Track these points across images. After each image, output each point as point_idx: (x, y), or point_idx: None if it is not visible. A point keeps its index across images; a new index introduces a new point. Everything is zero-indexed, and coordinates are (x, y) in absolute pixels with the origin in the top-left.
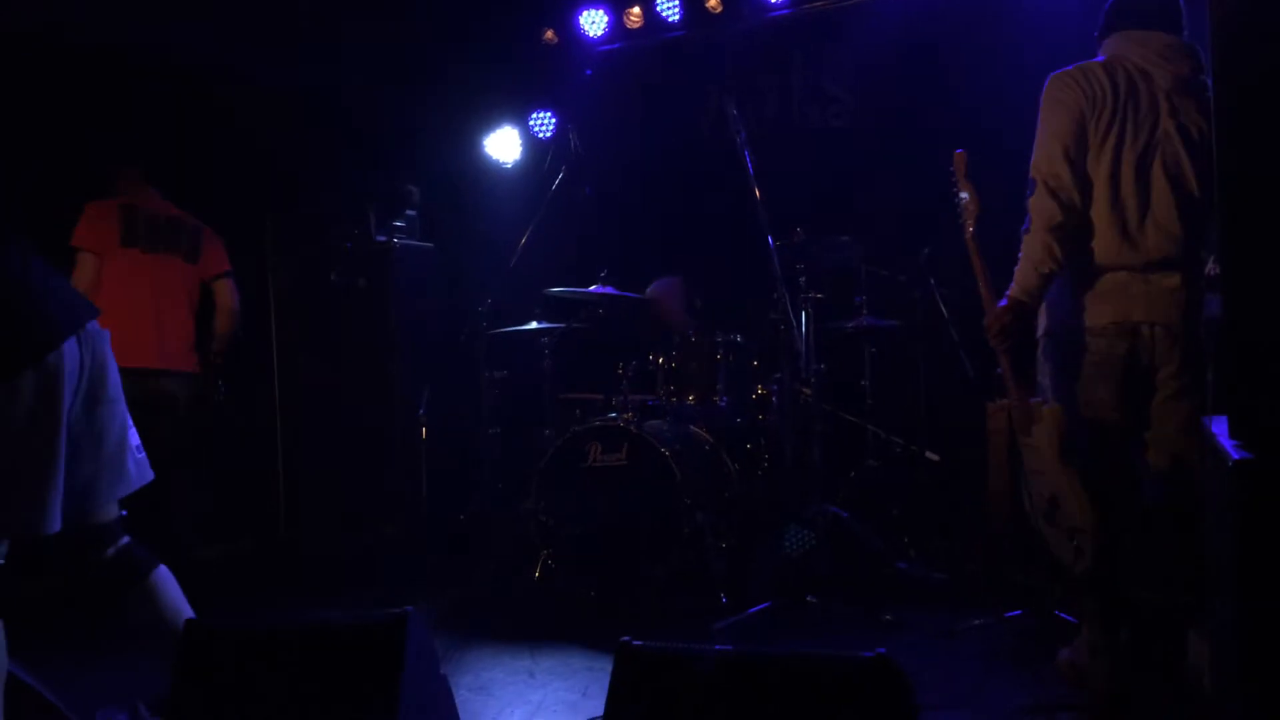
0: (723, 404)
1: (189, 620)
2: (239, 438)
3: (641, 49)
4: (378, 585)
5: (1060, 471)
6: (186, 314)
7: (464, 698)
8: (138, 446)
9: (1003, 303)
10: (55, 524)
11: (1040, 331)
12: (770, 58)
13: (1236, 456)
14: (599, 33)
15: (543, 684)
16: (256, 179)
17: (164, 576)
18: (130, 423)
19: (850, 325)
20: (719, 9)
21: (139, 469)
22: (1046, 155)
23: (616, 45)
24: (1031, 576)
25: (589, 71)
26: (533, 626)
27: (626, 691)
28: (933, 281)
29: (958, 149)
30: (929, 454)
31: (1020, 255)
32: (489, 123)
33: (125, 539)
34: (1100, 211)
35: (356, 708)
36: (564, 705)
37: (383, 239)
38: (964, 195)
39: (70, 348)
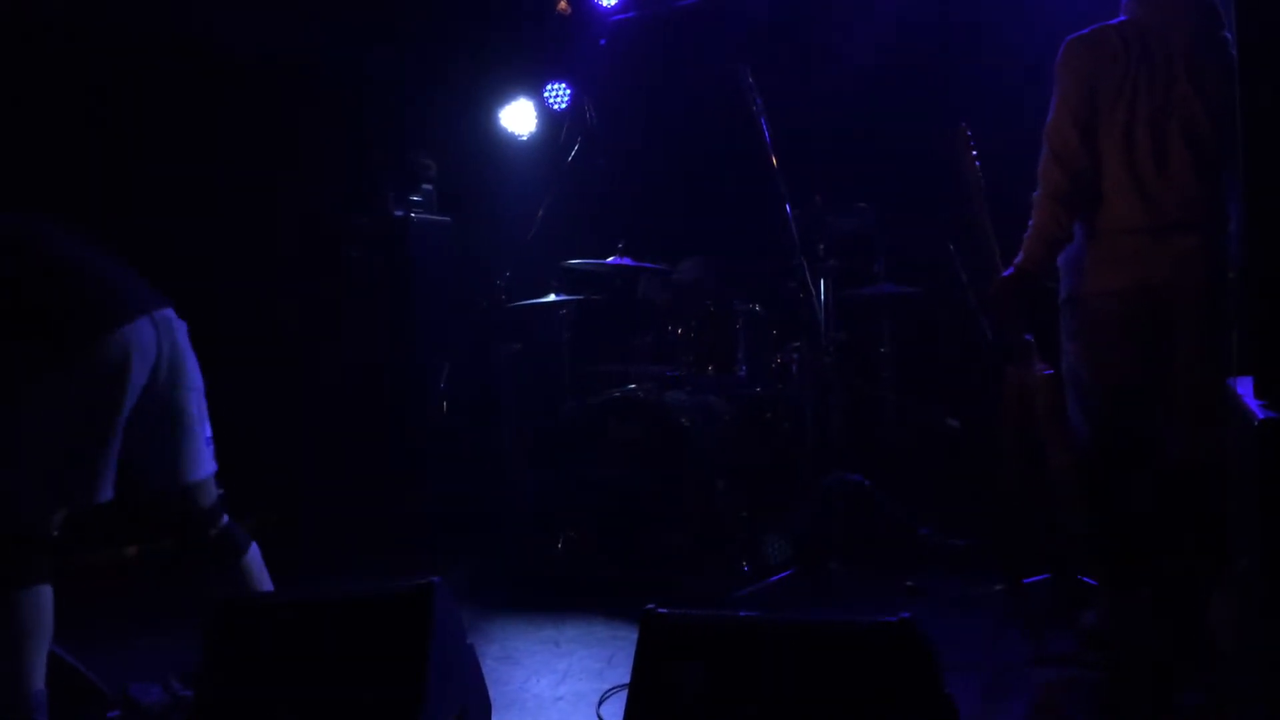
0: (742, 373)
1: (217, 594)
2: (256, 414)
3: (656, 17)
4: (399, 558)
5: (1055, 439)
6: None
7: (490, 667)
8: (209, 439)
9: (1008, 271)
10: (107, 494)
11: (1061, 298)
12: (787, 24)
13: (1262, 416)
14: (613, 2)
15: (568, 653)
16: (272, 154)
17: (254, 557)
18: (206, 415)
19: (869, 292)
20: None
21: (210, 458)
22: (1055, 122)
23: (630, 14)
24: (1052, 542)
25: (603, 41)
26: (555, 597)
27: (652, 658)
28: (952, 247)
29: (961, 121)
30: (949, 420)
31: (1029, 223)
32: (504, 95)
33: (225, 519)
34: (1115, 175)
35: (385, 677)
36: (589, 673)
37: (399, 213)
38: (967, 166)
39: (144, 328)
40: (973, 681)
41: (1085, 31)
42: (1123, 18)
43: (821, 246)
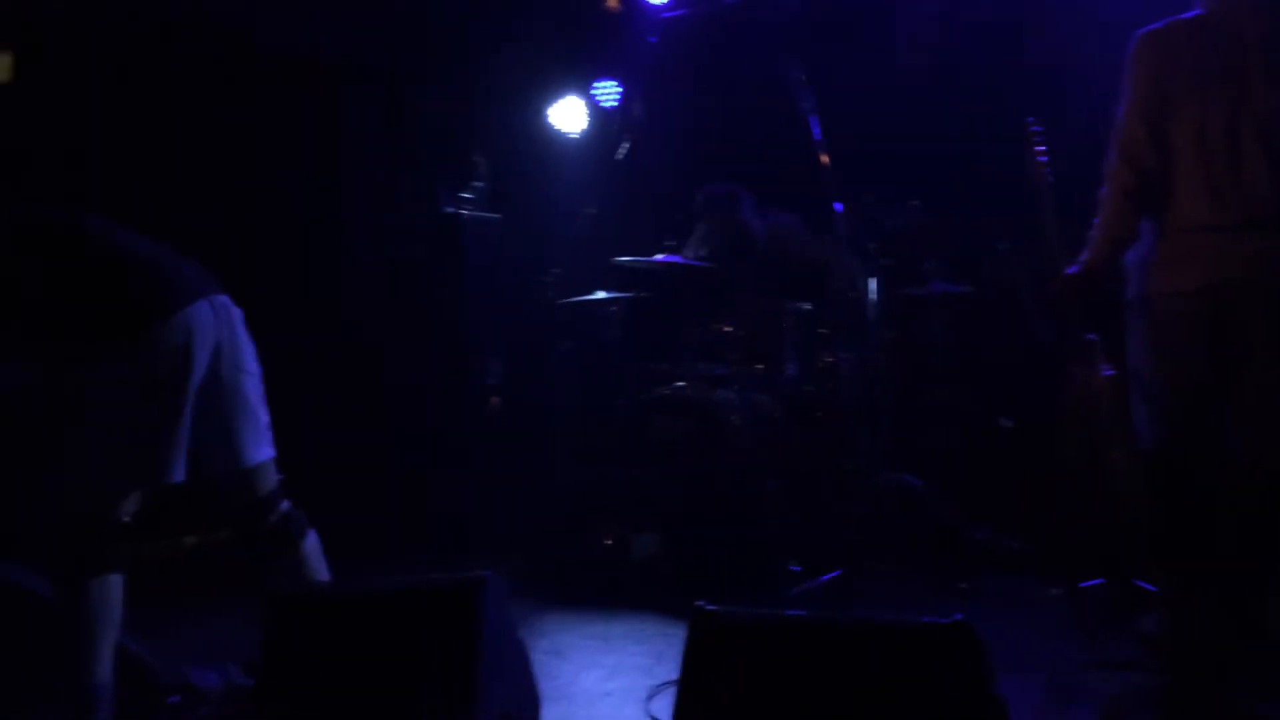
0: (790, 372)
1: (274, 583)
2: (308, 407)
3: (706, 15)
4: (449, 554)
5: (1118, 441)
6: None
7: (539, 661)
8: (268, 424)
9: (1073, 270)
10: (178, 476)
11: (1129, 297)
12: (838, 21)
13: None
14: None
15: (617, 649)
16: (325, 152)
17: (312, 545)
18: (264, 401)
19: (920, 291)
20: None
21: (269, 443)
22: (1125, 118)
23: (681, 12)
24: (1109, 545)
25: (653, 39)
26: (604, 593)
27: (702, 656)
28: (1006, 245)
29: (1029, 118)
30: (1002, 421)
31: (1095, 221)
32: (553, 93)
33: (286, 505)
34: (1187, 173)
35: (437, 669)
36: (638, 670)
37: (451, 210)
38: (1033, 162)
39: (204, 311)
40: (1030, 685)
41: (1157, 26)
42: (1197, 11)
43: (872, 245)
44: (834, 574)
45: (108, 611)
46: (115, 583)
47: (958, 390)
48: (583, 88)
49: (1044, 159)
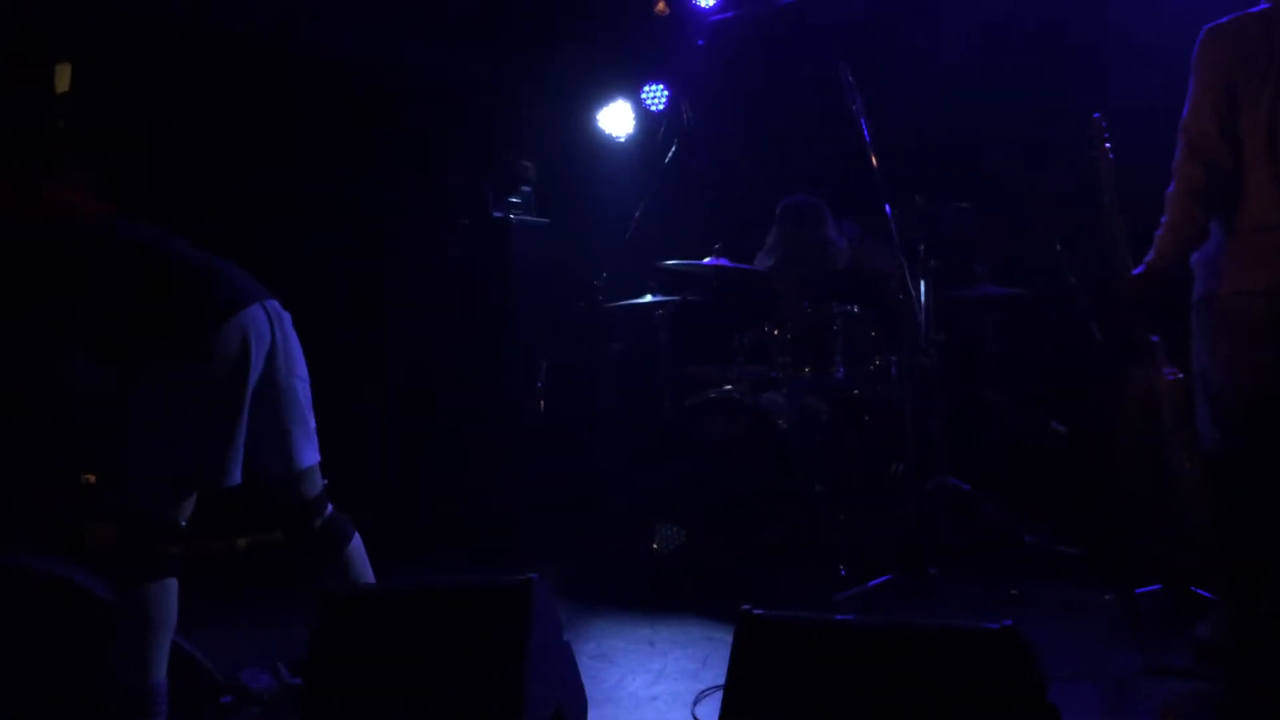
0: (839, 375)
1: (323, 585)
2: (358, 409)
3: (754, 17)
4: (497, 556)
5: (1182, 445)
6: None
7: (586, 664)
8: (314, 429)
9: (1139, 270)
10: (235, 478)
11: (1194, 298)
12: (887, 22)
13: None
14: (710, 2)
15: (663, 652)
16: (374, 155)
17: (357, 548)
18: (311, 405)
19: (971, 293)
20: None
21: (316, 447)
22: (1193, 114)
23: (729, 14)
24: (1166, 550)
25: (701, 42)
26: (651, 596)
27: (748, 660)
28: (1059, 247)
29: (1095, 113)
30: (1055, 425)
31: (1162, 220)
32: (602, 96)
33: (330, 509)
34: (1258, 171)
35: (485, 670)
36: (685, 674)
37: (499, 215)
38: (1100, 160)
39: (258, 316)
40: (1085, 692)
41: (1223, 21)
42: (1264, 5)
43: (922, 246)
44: (883, 579)
45: (164, 614)
46: (172, 586)
47: (1009, 393)
48: (631, 91)
49: (1110, 156)
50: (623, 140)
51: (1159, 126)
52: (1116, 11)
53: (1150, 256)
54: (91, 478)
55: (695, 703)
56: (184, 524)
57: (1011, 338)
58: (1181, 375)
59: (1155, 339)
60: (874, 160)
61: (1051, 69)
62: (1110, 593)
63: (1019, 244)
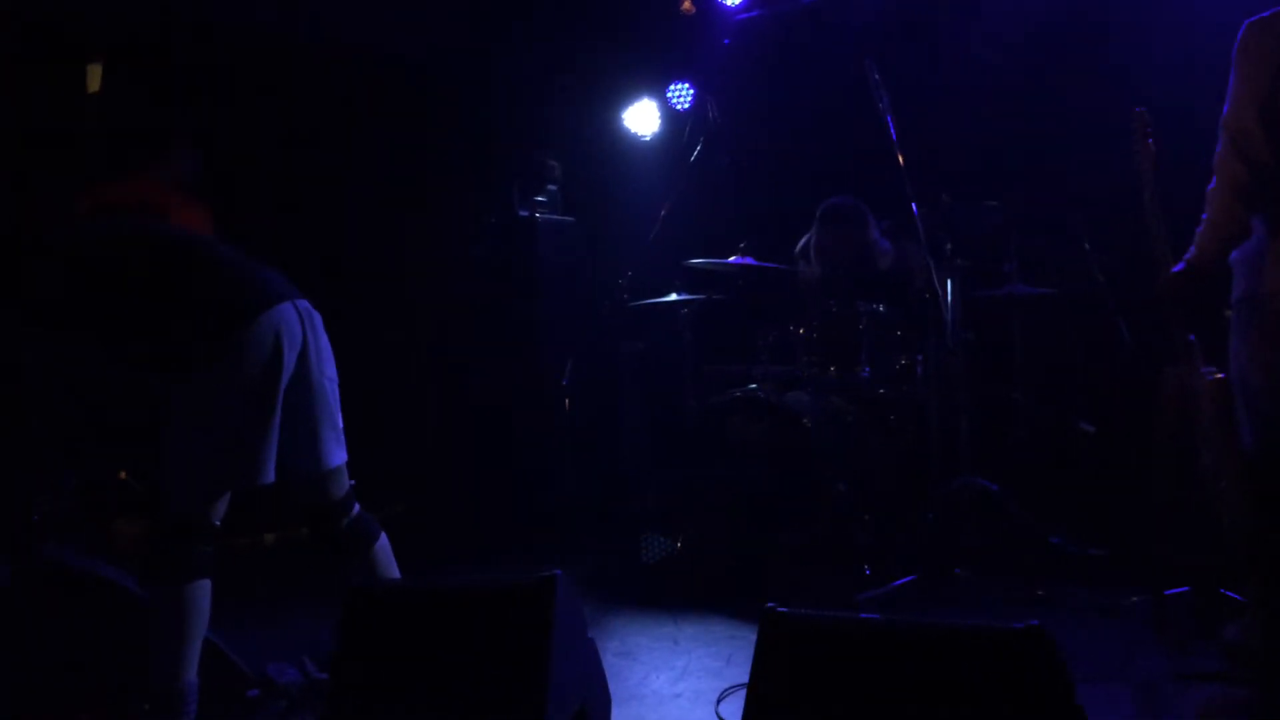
0: (865, 374)
1: (349, 581)
2: (385, 407)
3: (780, 16)
4: (522, 553)
5: (1223, 447)
6: None
7: (610, 662)
8: (342, 429)
9: (1178, 267)
10: (270, 476)
11: (1235, 296)
12: (914, 21)
13: None
14: (737, 1)
15: (686, 650)
16: (401, 154)
17: (383, 546)
18: (339, 405)
19: (999, 293)
20: None
21: (344, 447)
22: (1235, 110)
23: (755, 13)
24: (1196, 552)
25: (727, 41)
26: (675, 595)
27: (771, 658)
28: (1087, 246)
29: (1138, 107)
30: (1083, 425)
31: (1203, 217)
32: (627, 95)
33: (356, 509)
34: None
35: (508, 666)
36: (708, 672)
37: (525, 214)
38: (1142, 154)
39: (288, 312)
40: (1115, 696)
41: (1265, 15)
42: None
43: (949, 245)
44: (907, 579)
45: (199, 614)
46: (206, 586)
47: (1036, 393)
48: (657, 90)
49: (1152, 150)
50: (648, 139)
51: (1197, 123)
52: (1152, 6)
53: (1190, 254)
54: (123, 474)
55: (719, 701)
56: (218, 523)
57: (1039, 337)
58: (1221, 375)
59: (1192, 338)
60: (900, 159)
61: (1081, 66)
62: (1138, 594)
63: (1047, 243)
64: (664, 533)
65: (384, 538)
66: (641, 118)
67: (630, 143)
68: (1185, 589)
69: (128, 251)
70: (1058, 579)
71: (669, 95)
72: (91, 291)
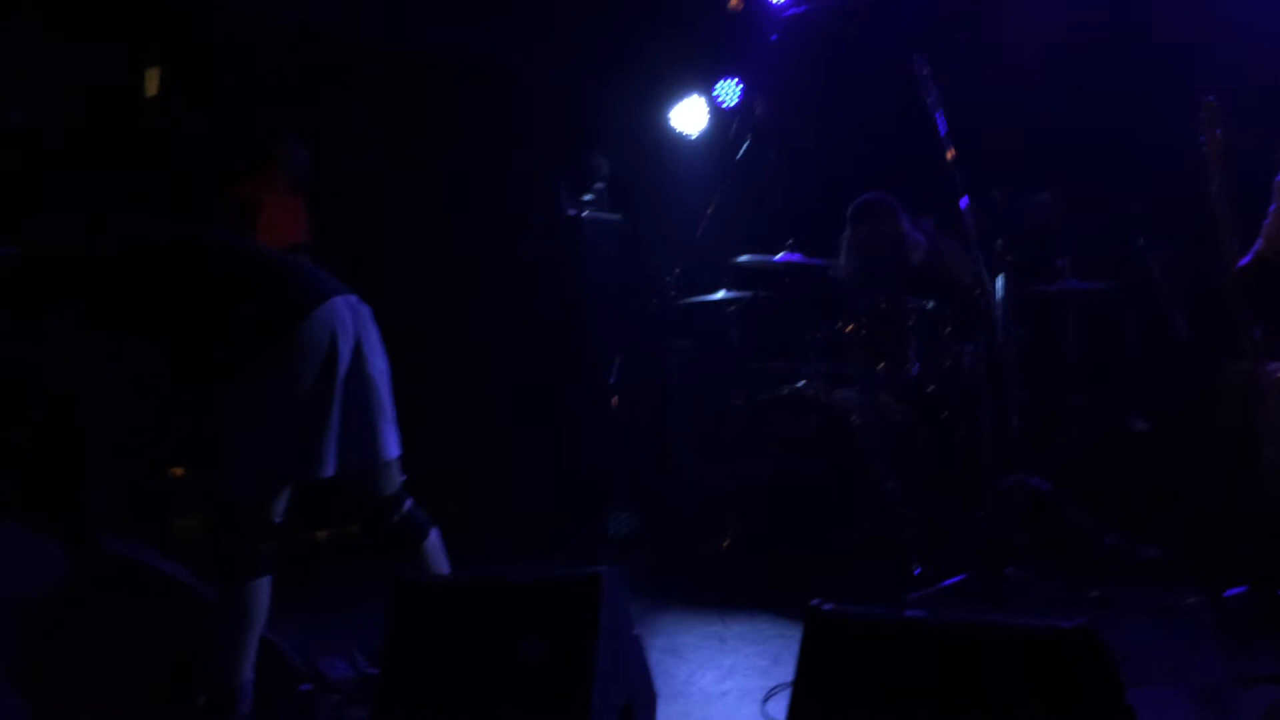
0: (914, 372)
1: (399, 577)
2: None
3: (828, 11)
4: (569, 548)
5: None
6: None
7: (656, 659)
8: (395, 422)
9: (1245, 260)
10: (330, 469)
11: None
12: (962, 14)
13: None
14: None
15: (733, 649)
16: (450, 154)
17: (435, 541)
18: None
19: (1052, 288)
20: None
21: (398, 441)
22: None
23: (802, 8)
24: (1257, 551)
25: (774, 37)
26: (722, 592)
27: (817, 654)
28: (1142, 241)
29: (1209, 96)
30: (1137, 423)
31: (1271, 209)
32: (675, 93)
33: (409, 504)
34: None
35: (556, 661)
36: (755, 670)
37: (572, 212)
38: (1210, 144)
39: (340, 307)
40: (1174, 699)
41: None
42: None
43: (999, 241)
44: (958, 578)
45: (258, 612)
46: (266, 584)
47: (1090, 390)
48: (704, 88)
49: (1221, 141)
50: (695, 137)
51: (1265, 113)
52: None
53: (1258, 246)
54: (179, 471)
55: (765, 699)
56: (279, 521)
57: (1092, 333)
58: None
59: (1259, 332)
60: (949, 154)
61: (1133, 56)
62: (1195, 595)
63: (1101, 237)
64: (630, 511)
65: (435, 533)
66: (689, 115)
67: (677, 140)
68: (1245, 589)
69: (178, 259)
70: (1112, 580)
71: (716, 92)
72: (146, 299)
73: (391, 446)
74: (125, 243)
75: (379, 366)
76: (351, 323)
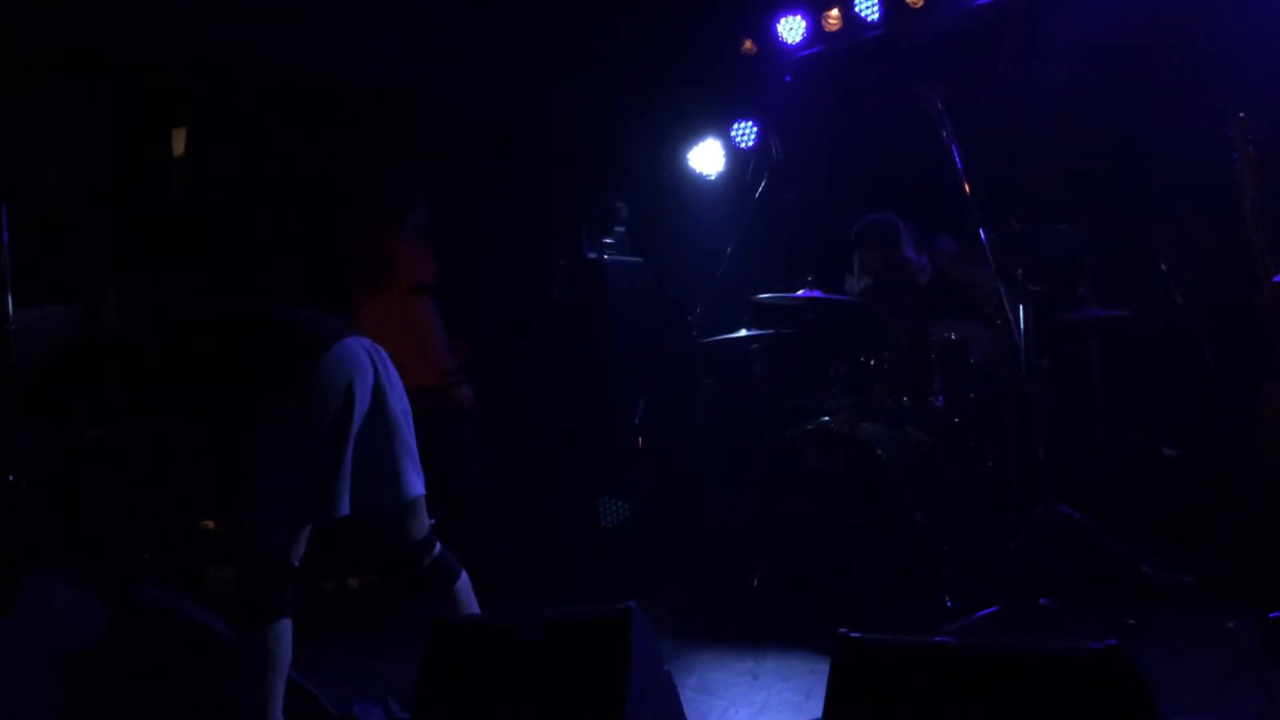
0: (939, 403)
1: (430, 619)
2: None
3: (841, 51)
4: (598, 587)
5: None
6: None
7: (688, 697)
8: (419, 461)
9: None
10: (345, 509)
11: None
12: (976, 49)
13: None
14: (797, 39)
15: (766, 685)
16: (472, 199)
17: (465, 584)
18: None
19: (1074, 316)
20: (920, 4)
21: (421, 480)
22: None
23: (816, 49)
24: None
25: (789, 78)
26: (754, 629)
27: (846, 683)
28: (1164, 267)
29: (1240, 112)
30: (1166, 449)
31: None
32: (692, 135)
33: (438, 549)
34: None
35: (587, 698)
36: (788, 706)
37: (593, 256)
38: (1243, 161)
39: (356, 347)
40: None
41: None
42: None
43: (1020, 271)
44: (990, 610)
45: (282, 653)
46: (287, 626)
47: (1117, 418)
48: (721, 130)
49: (1254, 158)
50: (713, 178)
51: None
52: (1222, 15)
53: None
54: (209, 524)
55: None
56: (297, 564)
57: (1117, 360)
58: None
59: None
60: (966, 187)
61: (1150, 83)
62: (1235, 621)
63: (1122, 264)
64: (621, 498)
65: (465, 576)
66: (706, 157)
67: (696, 182)
68: None
69: (183, 333)
70: (1148, 607)
71: (733, 134)
72: (159, 377)
73: (416, 484)
74: (159, 325)
75: (400, 406)
76: (369, 364)
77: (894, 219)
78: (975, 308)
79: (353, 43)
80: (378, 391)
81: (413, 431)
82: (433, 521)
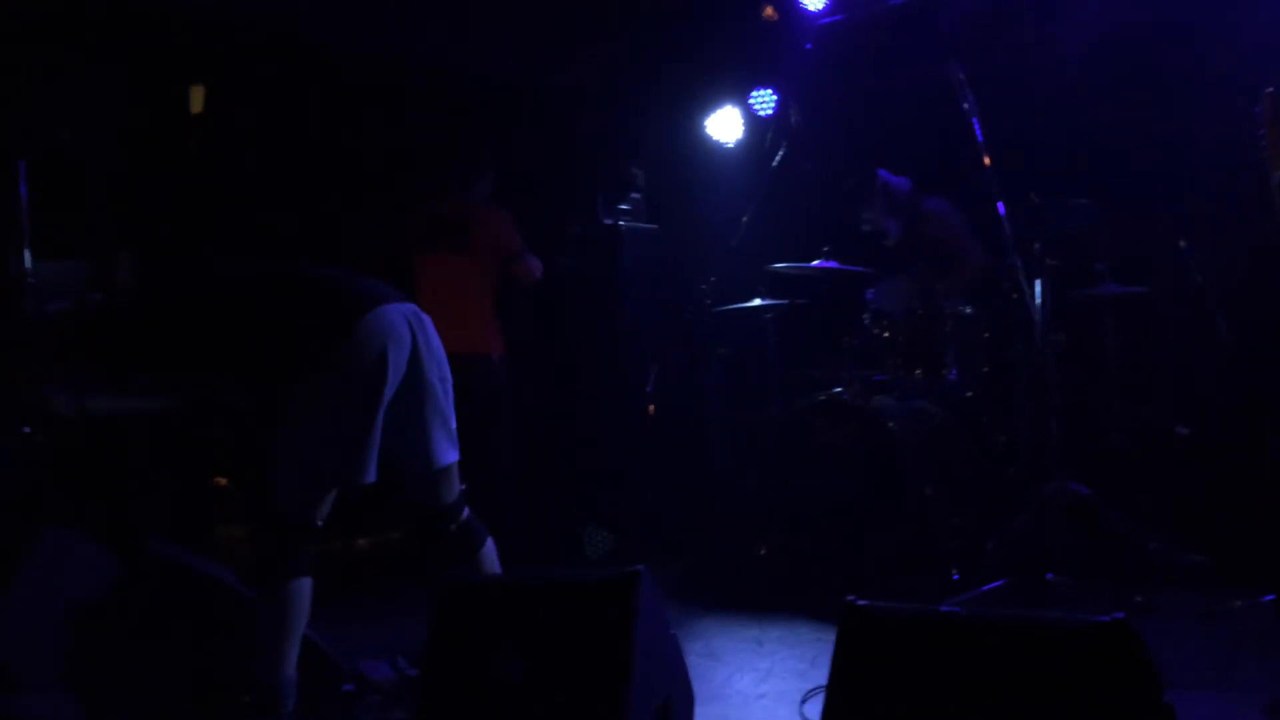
0: (952, 377)
1: (439, 578)
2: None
3: (862, 19)
4: (607, 556)
5: None
6: (458, 304)
7: (694, 663)
8: (454, 430)
9: None
10: (372, 476)
11: None
12: (999, 18)
13: None
14: (819, 6)
15: (770, 652)
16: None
17: (490, 550)
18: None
19: (1091, 293)
20: None
21: (455, 447)
22: None
23: (837, 17)
24: None
25: (809, 46)
26: (759, 598)
27: (851, 651)
28: (1182, 244)
29: (1269, 88)
30: (1179, 428)
31: None
32: (710, 103)
33: (465, 514)
34: None
35: (593, 659)
36: (792, 673)
37: (609, 222)
38: (1270, 137)
39: (393, 314)
40: (1227, 705)
41: None
42: None
43: (1037, 245)
44: (997, 583)
45: (299, 612)
46: (307, 584)
47: (1130, 395)
48: (740, 97)
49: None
50: (731, 146)
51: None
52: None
53: None
54: (223, 480)
55: (803, 702)
56: (320, 524)
57: (1133, 337)
58: None
59: None
60: (986, 159)
61: (1174, 58)
62: (1242, 599)
63: (1141, 240)
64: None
65: (490, 542)
66: (724, 125)
67: (713, 150)
68: None
69: (223, 295)
70: (1155, 585)
71: (751, 102)
72: (196, 337)
73: (448, 453)
74: (192, 285)
75: (438, 374)
76: (407, 332)
77: (863, 178)
78: (950, 256)
79: (367, 9)
80: (414, 360)
81: (451, 400)
82: (463, 487)
